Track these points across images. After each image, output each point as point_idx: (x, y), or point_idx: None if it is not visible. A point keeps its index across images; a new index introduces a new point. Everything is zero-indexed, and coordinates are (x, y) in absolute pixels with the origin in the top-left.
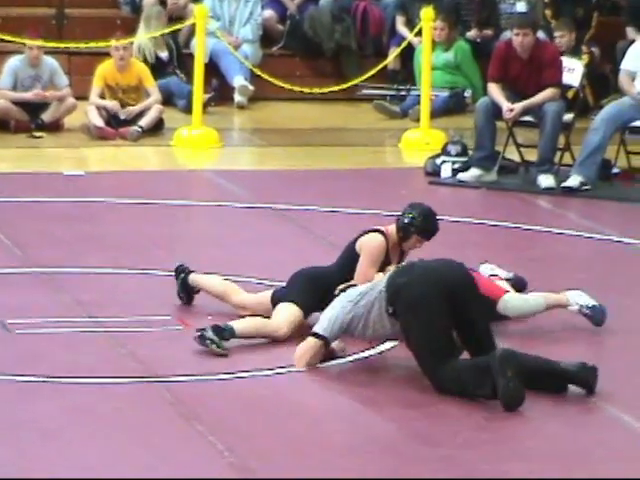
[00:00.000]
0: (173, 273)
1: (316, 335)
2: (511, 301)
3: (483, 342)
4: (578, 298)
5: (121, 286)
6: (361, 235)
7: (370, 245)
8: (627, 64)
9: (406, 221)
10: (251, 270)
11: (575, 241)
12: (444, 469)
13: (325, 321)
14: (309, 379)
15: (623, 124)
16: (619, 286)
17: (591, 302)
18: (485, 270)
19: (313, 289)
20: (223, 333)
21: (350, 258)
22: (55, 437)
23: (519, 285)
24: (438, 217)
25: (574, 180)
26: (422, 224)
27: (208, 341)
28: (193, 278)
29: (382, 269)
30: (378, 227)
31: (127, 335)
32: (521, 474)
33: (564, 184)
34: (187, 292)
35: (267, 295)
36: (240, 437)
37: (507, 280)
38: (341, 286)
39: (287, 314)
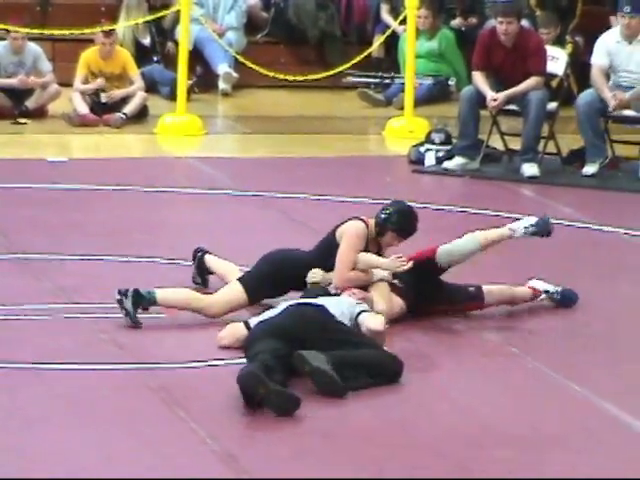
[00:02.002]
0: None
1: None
2: (442, 249)
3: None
4: (518, 224)
5: (104, 272)
6: (341, 224)
7: (351, 231)
8: (598, 58)
9: (382, 217)
10: (234, 257)
11: (557, 229)
12: (424, 456)
13: None
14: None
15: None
16: (599, 274)
17: (532, 220)
18: (534, 284)
19: (274, 273)
20: (142, 302)
21: (328, 246)
22: (37, 424)
23: (565, 300)
24: (423, 204)
25: None
26: (398, 222)
27: (124, 311)
28: (208, 259)
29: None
30: (360, 216)
31: (109, 321)
32: (506, 460)
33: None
34: (202, 272)
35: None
36: (223, 424)
37: (547, 292)
38: (310, 275)
39: (227, 293)
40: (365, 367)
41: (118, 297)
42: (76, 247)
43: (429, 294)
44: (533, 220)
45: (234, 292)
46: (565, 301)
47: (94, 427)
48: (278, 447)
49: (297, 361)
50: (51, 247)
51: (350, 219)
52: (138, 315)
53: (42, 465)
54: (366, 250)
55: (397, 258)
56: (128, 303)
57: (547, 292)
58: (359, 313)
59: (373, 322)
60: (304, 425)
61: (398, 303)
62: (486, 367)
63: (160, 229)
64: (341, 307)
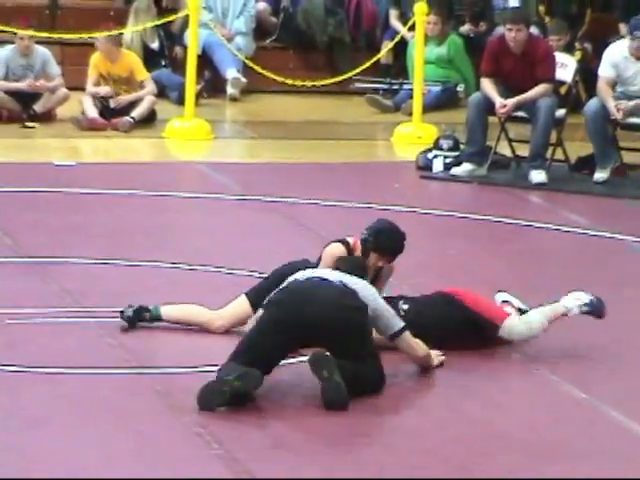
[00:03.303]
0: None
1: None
2: (514, 327)
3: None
4: (573, 302)
5: (110, 276)
6: (328, 244)
7: (328, 255)
8: (605, 71)
9: (363, 237)
10: (240, 262)
11: (565, 237)
12: (428, 462)
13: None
14: (299, 371)
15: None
16: (607, 282)
17: (587, 298)
18: (499, 298)
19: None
20: (144, 315)
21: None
22: (42, 426)
23: None
24: (430, 210)
25: None
26: (377, 241)
27: (125, 322)
28: (166, 312)
29: None
30: (346, 238)
31: (114, 324)
32: (512, 466)
33: None
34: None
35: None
36: (228, 429)
37: (519, 311)
38: None
39: (233, 306)
40: (358, 383)
41: (121, 309)
42: (82, 250)
43: (451, 332)
44: (587, 299)
45: (240, 306)
46: (595, 311)
47: (96, 429)
48: (282, 451)
49: (315, 365)
50: (58, 250)
51: (333, 241)
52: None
53: (43, 465)
54: None
55: None
56: (130, 312)
57: (519, 309)
58: (403, 329)
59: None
60: (308, 429)
61: None
62: (490, 373)
63: (167, 233)
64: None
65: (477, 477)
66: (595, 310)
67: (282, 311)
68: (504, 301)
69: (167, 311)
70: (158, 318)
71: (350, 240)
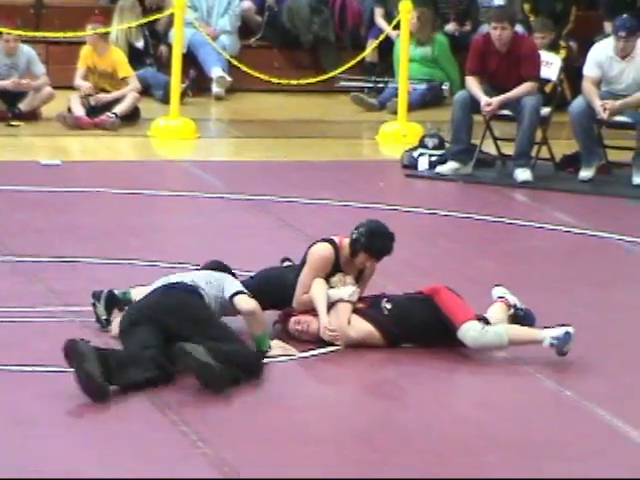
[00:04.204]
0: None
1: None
2: (468, 332)
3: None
4: (549, 333)
5: (96, 275)
6: (314, 243)
7: (315, 255)
8: (589, 70)
9: (354, 237)
10: (226, 260)
11: (550, 235)
12: (419, 461)
13: None
14: (285, 370)
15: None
16: (592, 280)
17: (559, 332)
18: (496, 293)
19: (260, 292)
20: (116, 303)
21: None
22: (27, 425)
23: (527, 320)
24: (415, 209)
25: None
26: (369, 242)
27: (95, 316)
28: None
29: (331, 276)
30: (332, 237)
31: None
32: (498, 466)
33: None
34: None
35: None
36: (214, 428)
37: (515, 309)
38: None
39: None
40: (235, 362)
41: (92, 301)
42: (69, 250)
43: (434, 332)
44: (559, 332)
45: None
46: (528, 320)
47: (83, 428)
48: (271, 451)
49: (180, 355)
50: (44, 250)
51: (319, 240)
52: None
53: (29, 464)
54: (337, 271)
55: (330, 331)
56: (100, 308)
57: (514, 306)
58: (235, 294)
59: (245, 303)
60: (298, 430)
61: (361, 329)
62: (481, 375)
63: (153, 232)
64: (210, 277)
65: (477, 477)
66: (558, 346)
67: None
68: (500, 297)
69: (137, 295)
70: (129, 303)
71: (336, 239)
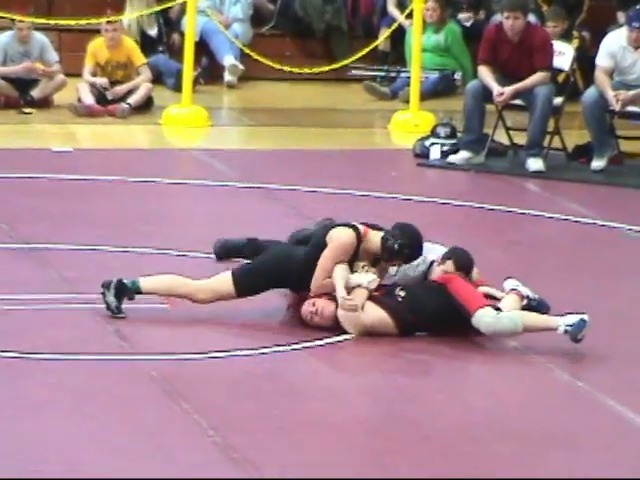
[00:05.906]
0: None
1: None
2: (482, 318)
3: None
4: (564, 320)
5: (107, 263)
6: (334, 226)
7: (338, 240)
8: (602, 60)
9: (396, 247)
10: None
11: (562, 225)
12: (429, 450)
13: None
14: (296, 358)
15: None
16: (604, 271)
17: (574, 320)
18: (508, 285)
19: (269, 272)
20: (126, 292)
21: (317, 248)
22: (39, 413)
23: (541, 308)
24: (427, 198)
25: None
26: (410, 254)
27: (105, 305)
28: (145, 283)
29: (350, 266)
30: (355, 223)
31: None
32: (508, 455)
33: None
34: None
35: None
36: (225, 416)
37: (528, 299)
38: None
39: (215, 282)
40: None
41: (101, 290)
42: (80, 237)
43: (447, 320)
44: (574, 320)
45: (223, 283)
46: (541, 308)
47: (94, 417)
48: (280, 439)
49: None
50: (55, 237)
51: (342, 224)
52: (127, 305)
53: (40, 453)
54: (354, 258)
55: (349, 301)
56: (110, 296)
57: (527, 297)
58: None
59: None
60: (306, 417)
61: (375, 315)
62: (493, 365)
63: (164, 220)
64: None
65: (476, 477)
66: (572, 333)
67: None
68: (512, 289)
69: (147, 283)
70: (138, 291)
71: (361, 229)
